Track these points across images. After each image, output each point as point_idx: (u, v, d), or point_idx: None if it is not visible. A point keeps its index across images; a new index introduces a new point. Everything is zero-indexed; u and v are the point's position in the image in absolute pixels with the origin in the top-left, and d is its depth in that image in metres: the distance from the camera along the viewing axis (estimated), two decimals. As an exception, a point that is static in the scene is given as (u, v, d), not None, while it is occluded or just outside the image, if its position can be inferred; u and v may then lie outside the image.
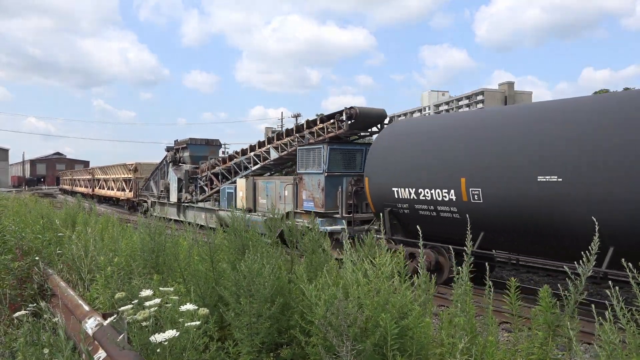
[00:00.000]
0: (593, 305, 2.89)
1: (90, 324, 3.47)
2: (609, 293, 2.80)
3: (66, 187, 56.09)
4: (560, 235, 7.46)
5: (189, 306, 2.90)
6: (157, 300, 2.99)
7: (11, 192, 48.02)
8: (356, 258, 3.62)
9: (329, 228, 12.23)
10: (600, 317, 2.76)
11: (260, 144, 17.67)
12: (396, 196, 10.19)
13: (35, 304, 4.57)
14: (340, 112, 13.41)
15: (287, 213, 12.55)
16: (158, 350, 2.73)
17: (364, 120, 13.16)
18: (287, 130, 16.31)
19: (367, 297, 3.10)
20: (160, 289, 3.32)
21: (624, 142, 6.79)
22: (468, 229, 4.09)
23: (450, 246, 8.49)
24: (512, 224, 7.98)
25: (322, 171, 13.10)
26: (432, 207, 9.50)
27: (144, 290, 3.17)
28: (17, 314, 4.16)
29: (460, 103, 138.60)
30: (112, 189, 35.67)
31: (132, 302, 3.16)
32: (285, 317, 3.55)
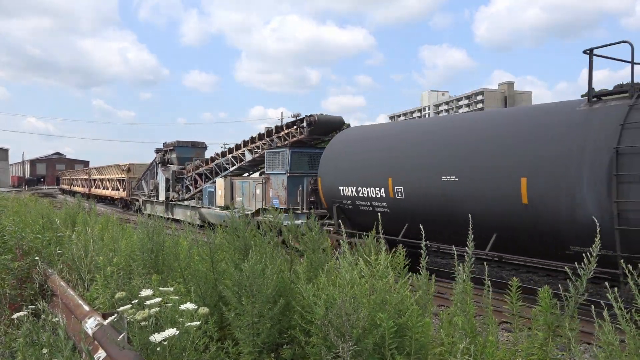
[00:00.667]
0: (593, 307, 2.89)
1: (90, 324, 3.47)
2: (610, 296, 2.80)
3: (65, 187, 57.38)
4: (459, 224, 8.76)
5: (189, 305, 2.90)
6: (158, 300, 2.99)
7: (11, 192, 48.05)
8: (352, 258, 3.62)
9: (290, 222, 13.73)
10: (599, 319, 2.77)
11: (237, 147, 19.14)
12: (342, 194, 11.96)
13: (35, 304, 4.57)
14: (302, 120, 15.00)
15: (258, 210, 15.70)
16: (158, 349, 2.73)
17: (323, 126, 14.75)
18: (259, 134, 17.74)
19: (363, 296, 3.11)
20: (160, 289, 3.32)
21: (497, 150, 8.59)
22: (470, 228, 4.08)
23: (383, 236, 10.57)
24: (426, 216, 9.55)
25: (285, 172, 14.69)
26: (368, 203, 11.22)
27: (144, 290, 3.17)
28: (17, 314, 4.16)
29: (460, 103, 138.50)
30: (107, 189, 36.98)
31: (132, 302, 3.16)
32: (286, 317, 3.55)
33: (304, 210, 14.00)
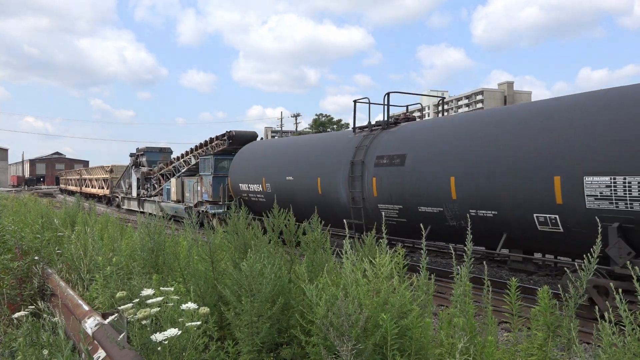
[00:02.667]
0: (597, 307, 2.90)
1: (90, 324, 3.47)
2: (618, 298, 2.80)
3: (62, 186, 62.05)
4: (298, 207, 12.41)
5: (190, 305, 2.90)
6: (158, 299, 2.98)
7: (11, 191, 48.23)
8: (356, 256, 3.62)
9: (214, 211, 19.27)
10: (601, 320, 2.76)
11: (187, 153, 24.23)
12: (241, 189, 16.99)
13: (34, 304, 4.56)
14: (224, 134, 20.21)
15: (197, 202, 20.92)
16: (158, 349, 2.73)
17: (239, 139, 19.77)
18: (200, 143, 22.75)
19: (366, 297, 3.10)
20: (161, 288, 3.31)
21: (308, 160, 13.68)
22: (468, 231, 4.08)
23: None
24: (283, 203, 14.26)
25: (210, 173, 19.80)
26: (255, 195, 16.23)
27: (144, 289, 3.17)
28: (16, 314, 4.15)
29: (460, 103, 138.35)
30: (95, 187, 42.69)
31: (133, 302, 3.16)
32: (285, 317, 3.55)
33: (225, 202, 19.11)
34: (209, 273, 4.09)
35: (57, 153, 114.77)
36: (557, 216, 7.68)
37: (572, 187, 7.38)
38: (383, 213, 11.06)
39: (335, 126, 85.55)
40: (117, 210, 32.02)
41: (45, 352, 3.38)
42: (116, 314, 3.35)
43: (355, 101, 13.24)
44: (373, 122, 12.83)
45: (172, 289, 3.40)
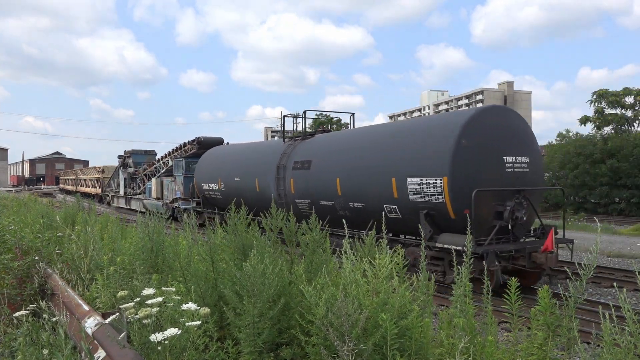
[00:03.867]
0: (600, 307, 2.90)
1: (90, 324, 3.47)
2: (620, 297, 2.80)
3: (61, 186, 65.77)
4: (246, 203, 17.36)
5: (191, 305, 2.90)
6: (159, 299, 2.98)
7: (11, 191, 48.43)
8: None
9: (185, 206, 22.50)
10: (601, 319, 2.76)
11: (165, 156, 27.64)
12: (204, 188, 20.40)
13: (35, 304, 4.56)
14: (194, 140, 23.71)
15: (173, 199, 24.49)
16: (158, 349, 2.73)
17: (207, 144, 22.96)
18: (175, 147, 26.21)
19: (366, 298, 3.11)
20: (162, 288, 3.32)
21: (248, 163, 17.45)
22: (468, 229, 4.09)
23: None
24: (235, 198, 17.70)
25: (182, 174, 23.43)
26: (214, 193, 19.54)
27: (145, 289, 3.17)
28: (17, 313, 4.15)
29: (460, 102, 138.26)
30: (89, 187, 46.57)
31: (133, 301, 3.16)
32: (286, 317, 3.55)
33: (195, 199, 21.88)
34: (210, 273, 4.09)
35: (57, 153, 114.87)
36: (395, 206, 10.82)
37: (401, 186, 10.49)
38: (299, 206, 14.06)
39: (334, 125, 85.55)
40: (108, 206, 35.81)
41: (45, 351, 3.39)
42: (116, 314, 3.35)
43: (284, 116, 17.36)
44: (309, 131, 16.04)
45: (174, 289, 3.40)
